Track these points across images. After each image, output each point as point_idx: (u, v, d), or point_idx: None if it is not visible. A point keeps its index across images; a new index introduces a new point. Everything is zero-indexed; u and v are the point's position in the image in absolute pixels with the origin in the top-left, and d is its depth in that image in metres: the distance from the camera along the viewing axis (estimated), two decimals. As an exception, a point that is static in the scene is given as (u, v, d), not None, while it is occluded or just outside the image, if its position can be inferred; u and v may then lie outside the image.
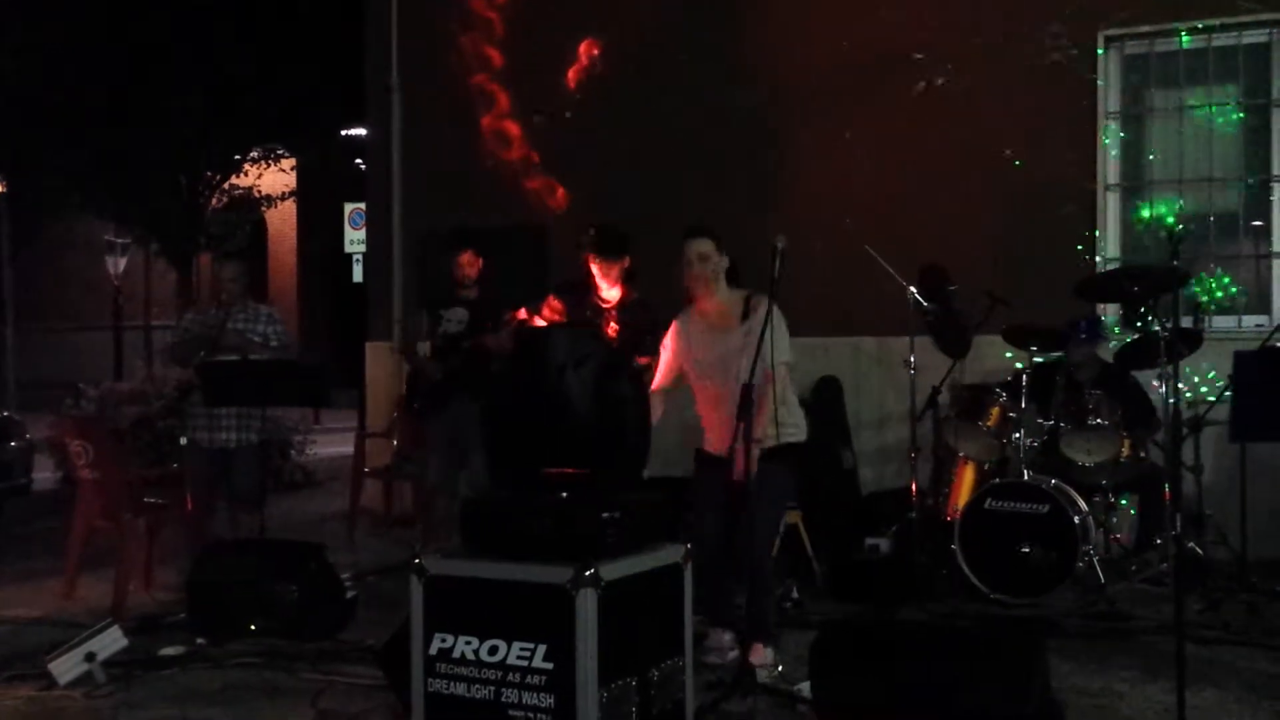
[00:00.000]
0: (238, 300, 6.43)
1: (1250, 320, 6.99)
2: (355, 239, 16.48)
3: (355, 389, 10.40)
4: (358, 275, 16.35)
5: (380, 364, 9.52)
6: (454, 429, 6.67)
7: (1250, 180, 7.13)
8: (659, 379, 5.19)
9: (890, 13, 7.74)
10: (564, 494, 3.85)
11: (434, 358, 6.84)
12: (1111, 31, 7.27)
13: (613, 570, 3.68)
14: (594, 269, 6.04)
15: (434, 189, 9.14)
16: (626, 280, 6.12)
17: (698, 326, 5.17)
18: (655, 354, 6.10)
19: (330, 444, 12.47)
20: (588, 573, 3.59)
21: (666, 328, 6.09)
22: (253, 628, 5.42)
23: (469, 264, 6.83)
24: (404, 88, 9.33)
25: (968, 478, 6.46)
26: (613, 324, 6.00)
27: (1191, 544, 6.06)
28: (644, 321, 6.04)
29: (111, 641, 4.95)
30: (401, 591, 3.98)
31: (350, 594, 5.74)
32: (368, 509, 8.92)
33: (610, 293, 6.08)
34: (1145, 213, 7.34)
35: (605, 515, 3.76)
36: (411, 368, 7.15)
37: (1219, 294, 7.10)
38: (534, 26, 8.77)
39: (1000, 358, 7.00)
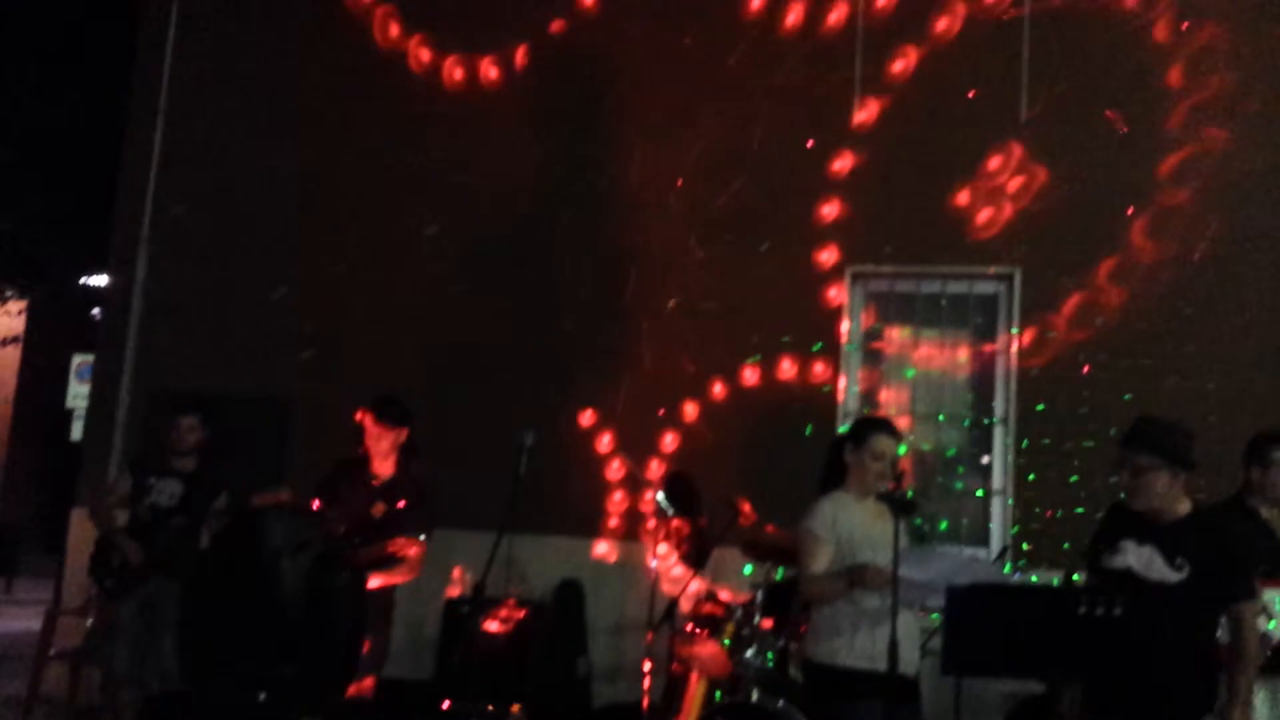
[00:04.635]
0: None
1: (970, 553, 7.28)
2: (79, 393, 15.42)
3: (56, 558, 9.45)
4: (76, 433, 15.24)
5: (86, 532, 8.65)
6: (148, 611, 6.06)
7: (975, 420, 7.57)
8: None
9: (659, 230, 7.99)
10: (262, 694, 3.48)
11: (130, 529, 6.27)
12: (857, 268, 7.71)
13: (308, 786, 3.32)
14: (367, 437, 5.78)
15: (173, 348, 8.63)
16: (405, 455, 5.86)
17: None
18: (423, 536, 5.79)
19: (19, 617, 11.30)
20: (278, 789, 3.22)
21: (430, 507, 5.82)
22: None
23: (189, 430, 6.34)
24: (154, 240, 8.89)
25: (698, 695, 6.32)
26: (380, 504, 5.69)
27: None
28: (413, 502, 5.75)
29: None
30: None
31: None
32: (49, 696, 7.96)
33: (383, 466, 5.81)
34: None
35: (307, 722, 3.42)
36: (102, 536, 6.46)
37: (944, 524, 7.40)
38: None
39: (740, 571, 7.02)
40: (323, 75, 8.62)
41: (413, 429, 5.94)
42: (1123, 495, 4.39)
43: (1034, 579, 6.38)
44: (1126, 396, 6.94)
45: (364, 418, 5.83)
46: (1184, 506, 4.28)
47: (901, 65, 7.72)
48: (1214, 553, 4.17)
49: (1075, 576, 5.65)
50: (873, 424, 4.78)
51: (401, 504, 5.71)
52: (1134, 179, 7.29)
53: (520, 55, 8.37)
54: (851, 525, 4.56)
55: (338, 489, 5.78)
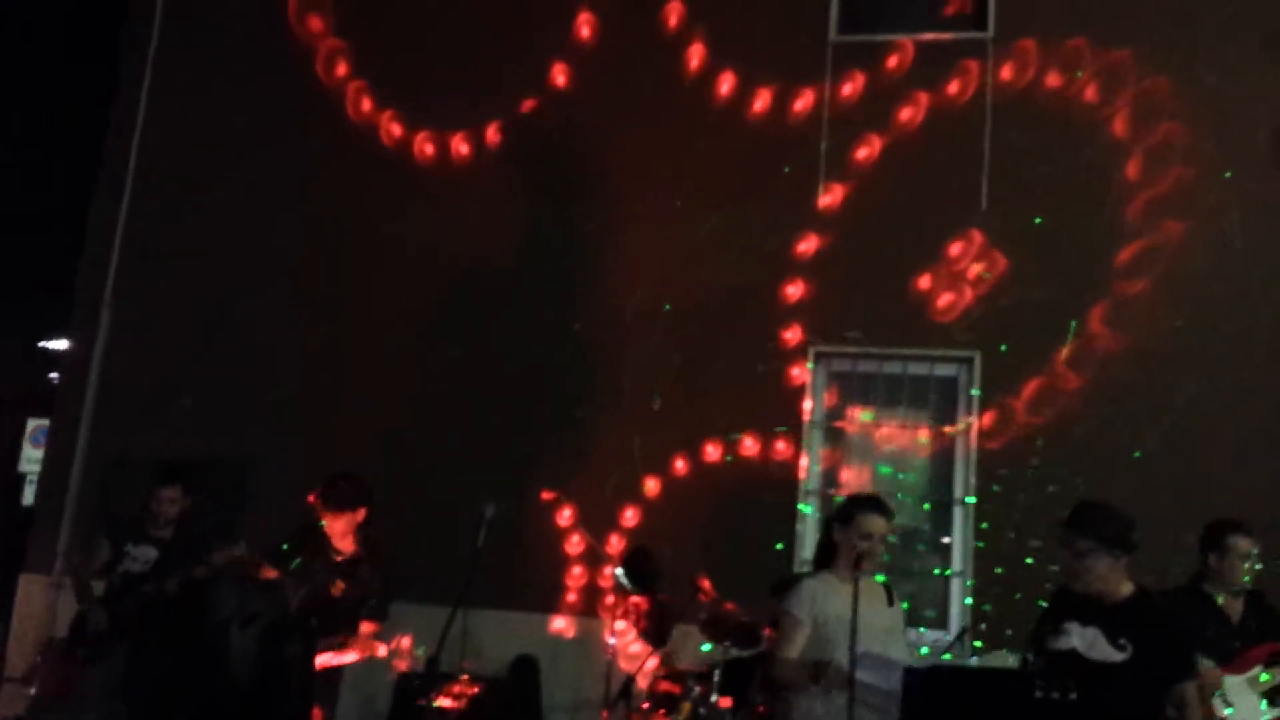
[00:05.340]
0: None
1: (930, 635, 7.26)
2: (33, 457, 15.21)
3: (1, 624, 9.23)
4: (29, 497, 15.00)
5: (35, 599, 8.52)
6: (115, 679, 5.92)
7: (935, 500, 7.59)
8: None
9: (625, 306, 8.04)
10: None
11: (106, 596, 6.17)
12: (820, 348, 7.78)
13: None
14: (322, 519, 5.71)
15: (130, 412, 8.55)
16: (363, 533, 5.79)
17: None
18: (382, 618, 5.72)
19: (-41, 685, 10.92)
20: None
21: (395, 586, 5.74)
22: None
23: (170, 501, 6.26)
24: (116, 305, 8.85)
25: (655, 774, 6.22)
26: (340, 582, 5.61)
27: None
28: (375, 582, 5.68)
29: None
30: None
31: None
32: (-15, 768, 7.73)
33: (343, 544, 5.73)
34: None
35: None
36: (81, 606, 6.34)
37: (905, 605, 7.36)
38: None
39: (699, 650, 6.95)
40: (292, 147, 8.67)
41: (370, 506, 5.86)
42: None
43: (977, 660, 6.35)
44: (1080, 481, 7.00)
45: (315, 502, 5.75)
46: (1126, 588, 4.34)
47: (866, 152, 7.88)
48: (1156, 633, 4.23)
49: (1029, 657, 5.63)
50: (861, 502, 4.66)
51: (361, 584, 5.65)
52: (1092, 268, 7.43)
53: (491, 132, 8.47)
54: (828, 607, 4.46)
55: (295, 559, 5.70)
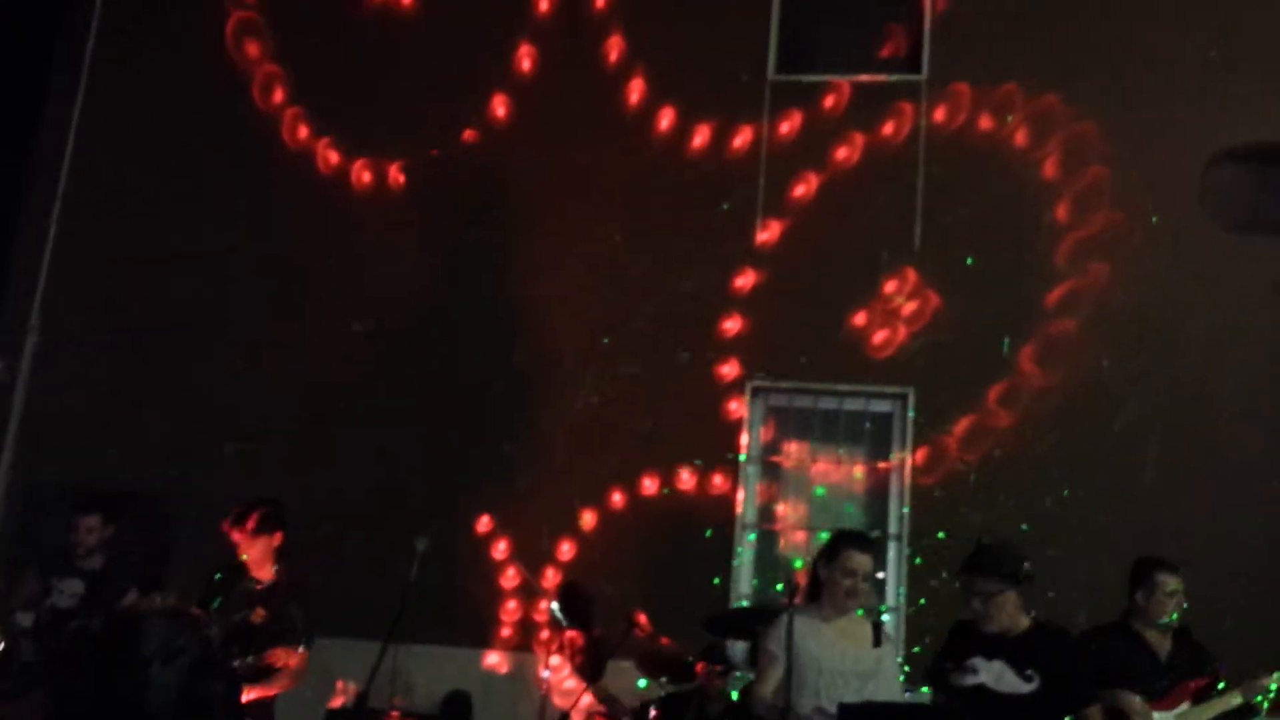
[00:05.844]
0: None
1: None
2: (-49, 486, 14.78)
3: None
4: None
5: (-53, 632, 8.24)
6: (40, 715, 5.74)
7: (871, 535, 7.64)
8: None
9: (563, 340, 8.04)
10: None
11: (34, 630, 5.99)
12: (757, 383, 7.82)
13: None
14: (238, 547, 5.62)
15: (56, 440, 8.32)
16: (280, 559, 5.71)
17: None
18: (304, 644, 5.61)
19: None
20: None
21: (312, 613, 5.63)
22: None
23: (88, 531, 6.11)
24: (42, 329, 8.64)
25: (588, 812, 6.17)
26: (260, 610, 5.51)
27: None
28: (295, 609, 5.58)
29: None
30: None
31: None
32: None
33: (262, 572, 5.63)
34: (776, 554, 7.70)
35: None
36: (5, 640, 6.15)
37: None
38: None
39: (634, 685, 6.91)
40: (227, 172, 8.55)
41: (286, 531, 5.79)
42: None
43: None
44: (1009, 516, 7.11)
45: (230, 529, 5.68)
46: (1025, 620, 4.54)
47: (803, 190, 7.97)
48: (1061, 661, 4.41)
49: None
50: (846, 538, 4.61)
51: (281, 610, 5.56)
52: (1022, 308, 7.57)
53: (430, 163, 8.42)
54: (803, 645, 4.36)
55: (217, 596, 5.60)
